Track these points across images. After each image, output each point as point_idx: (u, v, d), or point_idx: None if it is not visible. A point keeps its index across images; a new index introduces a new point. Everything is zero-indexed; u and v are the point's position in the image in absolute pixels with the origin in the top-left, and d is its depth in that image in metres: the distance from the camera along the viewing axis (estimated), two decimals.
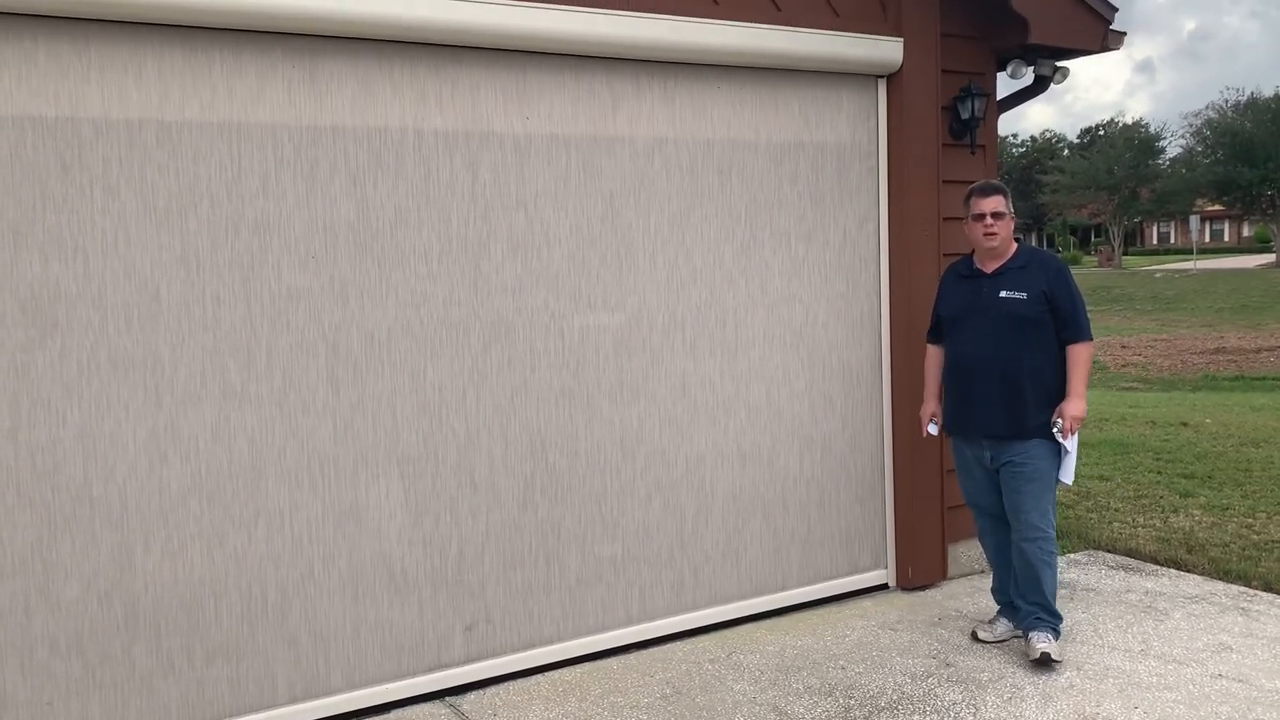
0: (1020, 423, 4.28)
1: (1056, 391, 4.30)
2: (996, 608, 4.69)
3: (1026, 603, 4.40)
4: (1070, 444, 4.29)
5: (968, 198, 4.46)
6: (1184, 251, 60.49)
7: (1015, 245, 4.45)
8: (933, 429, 4.72)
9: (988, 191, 4.40)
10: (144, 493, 3.66)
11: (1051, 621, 4.35)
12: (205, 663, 3.78)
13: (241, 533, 3.83)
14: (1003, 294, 4.33)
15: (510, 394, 4.30)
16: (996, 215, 4.34)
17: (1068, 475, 4.35)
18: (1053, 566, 4.37)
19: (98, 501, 3.59)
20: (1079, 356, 4.29)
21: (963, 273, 4.55)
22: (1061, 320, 4.28)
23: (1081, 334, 4.30)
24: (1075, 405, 4.25)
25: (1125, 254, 58.66)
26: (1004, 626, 4.57)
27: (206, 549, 3.77)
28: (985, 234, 4.35)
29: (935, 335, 4.72)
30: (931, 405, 4.72)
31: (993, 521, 4.57)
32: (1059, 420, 4.26)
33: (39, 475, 3.50)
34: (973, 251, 4.54)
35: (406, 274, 4.07)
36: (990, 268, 4.42)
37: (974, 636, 4.60)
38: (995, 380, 4.31)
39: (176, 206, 3.67)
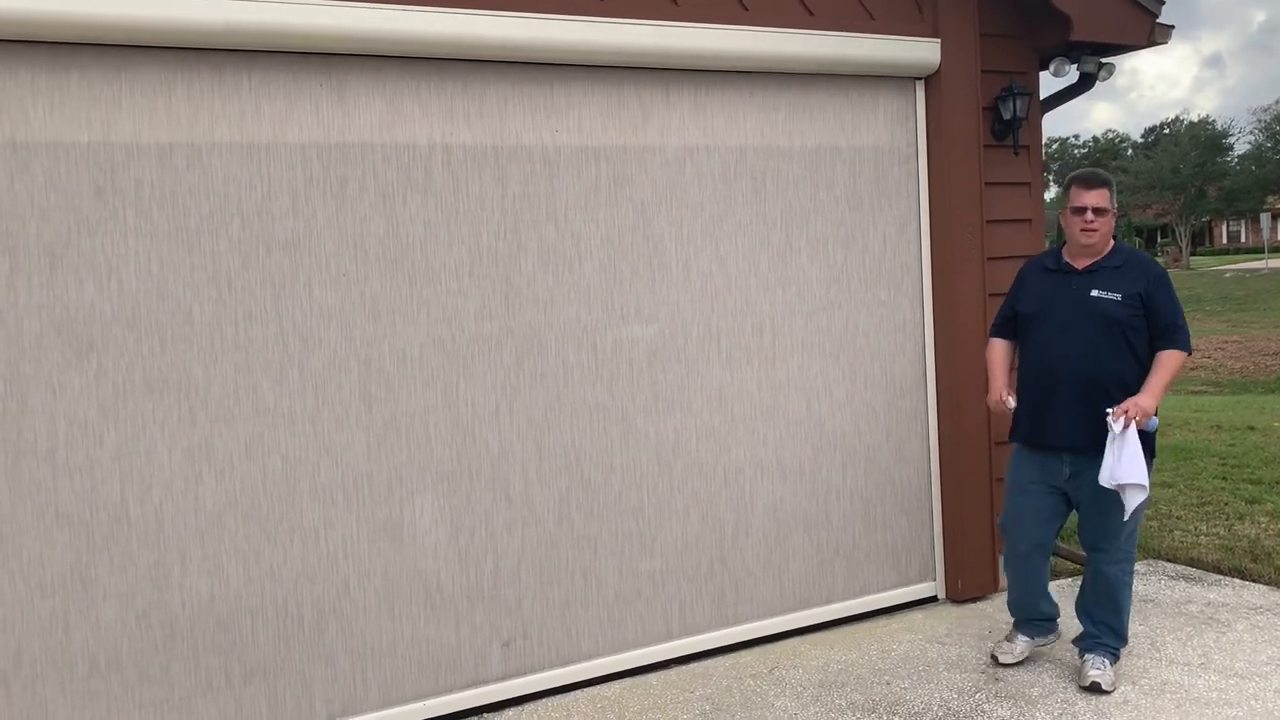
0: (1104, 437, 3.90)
1: None
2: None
3: (1093, 621, 4.16)
4: (1128, 441, 3.77)
5: (1068, 185, 4.06)
6: (1255, 250, 58.78)
7: (1112, 243, 4.08)
8: (1012, 401, 4.20)
9: (1092, 183, 4.00)
10: (180, 511, 3.70)
11: (1113, 646, 4.14)
12: (243, 681, 3.80)
13: (277, 550, 3.84)
14: (1094, 293, 3.98)
15: (544, 408, 4.27)
16: (1099, 211, 3.97)
17: (1138, 474, 3.76)
18: (1131, 587, 4.15)
19: (135, 521, 3.63)
20: (1169, 360, 3.92)
21: (1049, 266, 4.18)
22: (1160, 327, 3.93)
23: (1180, 343, 3.93)
24: (1145, 397, 3.83)
25: (1193, 254, 57.22)
26: (1023, 644, 4.34)
27: (243, 566, 3.79)
28: (1084, 230, 3.98)
29: (1003, 330, 4.36)
30: (999, 389, 4.25)
31: (1027, 546, 4.22)
32: (1112, 409, 3.82)
33: (77, 495, 3.55)
34: (1063, 244, 4.20)
35: (437, 290, 4.07)
36: (1082, 263, 4.06)
37: (993, 659, 4.36)
38: (1080, 385, 3.96)
39: (208, 227, 3.71)
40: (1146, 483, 3.81)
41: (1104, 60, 5.32)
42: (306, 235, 3.85)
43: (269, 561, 3.83)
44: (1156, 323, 3.96)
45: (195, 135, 3.67)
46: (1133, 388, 3.95)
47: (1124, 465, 3.78)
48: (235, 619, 3.79)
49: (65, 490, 3.53)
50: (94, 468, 3.57)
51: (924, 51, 4.92)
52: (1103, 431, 3.87)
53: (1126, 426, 3.79)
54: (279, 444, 3.84)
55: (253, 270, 3.78)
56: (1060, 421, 4.03)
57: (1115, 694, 4.01)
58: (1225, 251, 65.41)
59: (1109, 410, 3.85)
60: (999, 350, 4.39)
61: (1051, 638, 4.40)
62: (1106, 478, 3.82)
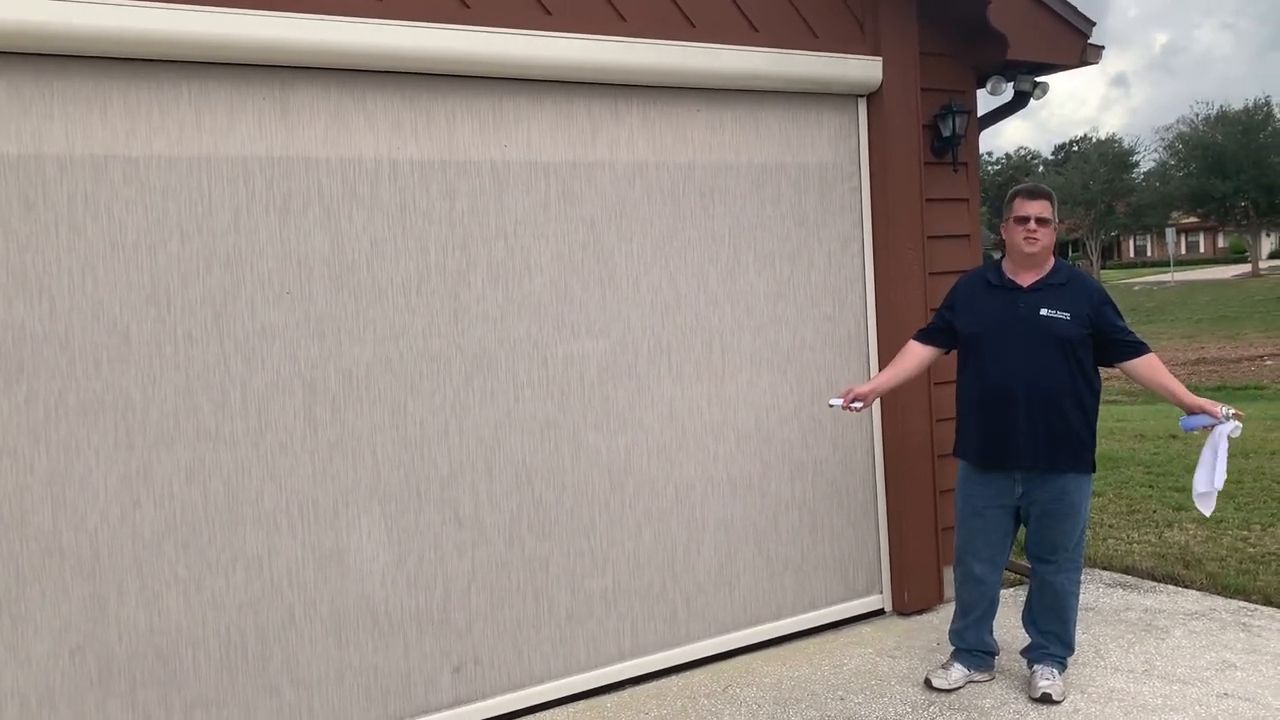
0: (1059, 455, 3.98)
1: (1094, 420, 4.05)
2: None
3: (1039, 631, 4.22)
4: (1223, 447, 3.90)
5: (1011, 198, 4.11)
6: (1161, 264, 60.95)
7: (1053, 259, 4.12)
8: (836, 402, 4.22)
9: (1035, 194, 4.08)
10: (116, 540, 3.54)
11: (1061, 655, 4.20)
12: (184, 715, 3.64)
13: (219, 578, 3.70)
14: (1044, 312, 3.99)
15: (494, 426, 4.20)
16: (1041, 220, 4.01)
17: (1220, 478, 3.94)
18: (1078, 596, 4.20)
19: (68, 550, 3.46)
20: (1158, 363, 4.05)
21: (992, 281, 4.16)
22: (1120, 340, 4.03)
23: (1147, 347, 4.05)
24: (1201, 400, 3.96)
25: (1103, 268, 59.11)
26: (959, 673, 4.29)
27: (183, 596, 3.64)
28: (1026, 238, 4.01)
29: (929, 337, 4.35)
30: (865, 389, 4.26)
31: (985, 568, 4.22)
32: (1225, 409, 3.88)
33: (6, 525, 3.37)
34: (1001, 258, 4.23)
35: (384, 307, 3.97)
36: (1027, 280, 4.08)
37: (927, 684, 4.27)
38: (1036, 407, 3.97)
39: (145, 243, 3.57)
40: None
41: (1038, 79, 5.45)
42: (249, 252, 3.73)
43: (210, 590, 3.69)
44: (1115, 335, 4.03)
45: (132, 148, 3.53)
46: (1086, 405, 4.02)
47: (1221, 470, 3.92)
48: (175, 651, 3.63)
49: None
50: (24, 495, 3.40)
51: (866, 70, 4.97)
52: (1059, 453, 3.97)
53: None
54: (220, 468, 3.70)
55: (193, 288, 3.64)
56: (1021, 443, 4.01)
57: (1065, 703, 4.06)
58: (1133, 265, 67.65)
59: (1230, 414, 3.89)
60: (909, 354, 4.36)
61: (987, 675, 4.33)
62: (1219, 482, 3.93)
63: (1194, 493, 4.06)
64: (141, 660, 3.58)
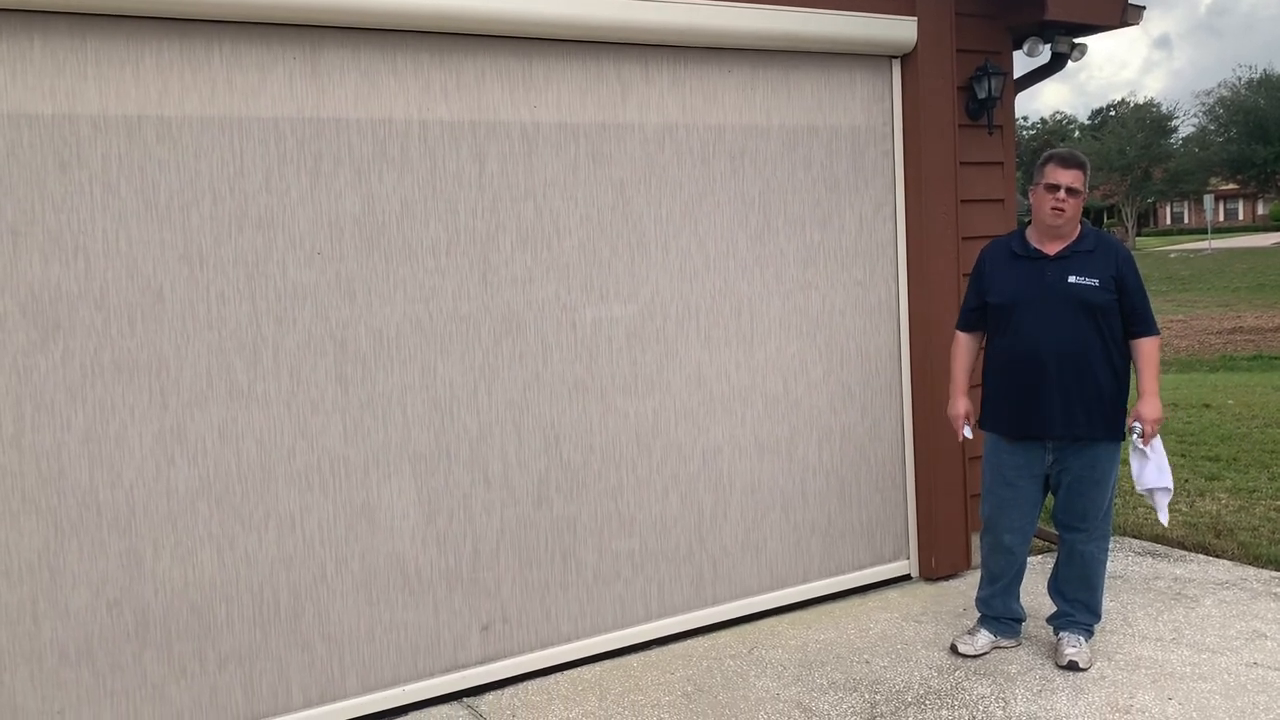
0: (1095, 423, 3.95)
1: (1126, 388, 4.01)
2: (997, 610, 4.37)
3: (1066, 599, 4.21)
4: (1154, 449, 3.99)
5: (1045, 162, 4.00)
6: (1198, 231, 60.04)
7: (1079, 226, 4.04)
8: (969, 432, 4.30)
9: (1069, 162, 3.95)
10: (152, 496, 3.59)
11: (1087, 622, 4.19)
12: (218, 668, 3.72)
13: (252, 535, 3.75)
14: (1072, 279, 3.93)
15: (522, 388, 4.21)
16: (1072, 191, 3.92)
17: (1167, 479, 4.02)
18: (1105, 565, 4.18)
19: (105, 506, 3.52)
20: (1151, 352, 3.98)
21: (1017, 251, 4.10)
22: (1131, 312, 3.96)
23: (1152, 327, 3.99)
24: (1153, 406, 3.96)
25: (1139, 235, 58.30)
26: (985, 639, 4.28)
27: (216, 552, 3.70)
28: (1054, 208, 3.93)
29: (970, 322, 4.29)
30: (963, 403, 4.28)
31: (1014, 538, 4.19)
32: (1137, 425, 3.97)
33: (44, 480, 3.43)
34: (1025, 227, 4.17)
35: (414, 268, 3.99)
36: (1053, 249, 4.01)
37: (953, 649, 4.28)
38: (1069, 376, 3.92)
39: (178, 203, 3.59)
40: (1172, 485, 4.09)
41: (1076, 41, 5.34)
42: (280, 212, 3.75)
43: (244, 547, 3.74)
44: (1129, 307, 3.98)
45: (165, 108, 3.55)
46: (1119, 372, 3.98)
47: (1153, 472, 4.03)
48: (209, 606, 3.70)
49: (32, 475, 3.41)
50: (61, 452, 3.46)
51: (901, 29, 4.90)
52: (1091, 421, 3.97)
53: (1149, 441, 4.00)
54: (253, 427, 3.74)
55: (225, 248, 3.67)
56: (1053, 413, 3.97)
57: (1092, 670, 4.05)
58: (1169, 232, 66.70)
59: (1133, 431, 4.01)
60: (963, 349, 4.33)
61: (1014, 641, 4.33)
62: (1141, 486, 4.07)
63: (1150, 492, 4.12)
64: (176, 614, 3.64)
